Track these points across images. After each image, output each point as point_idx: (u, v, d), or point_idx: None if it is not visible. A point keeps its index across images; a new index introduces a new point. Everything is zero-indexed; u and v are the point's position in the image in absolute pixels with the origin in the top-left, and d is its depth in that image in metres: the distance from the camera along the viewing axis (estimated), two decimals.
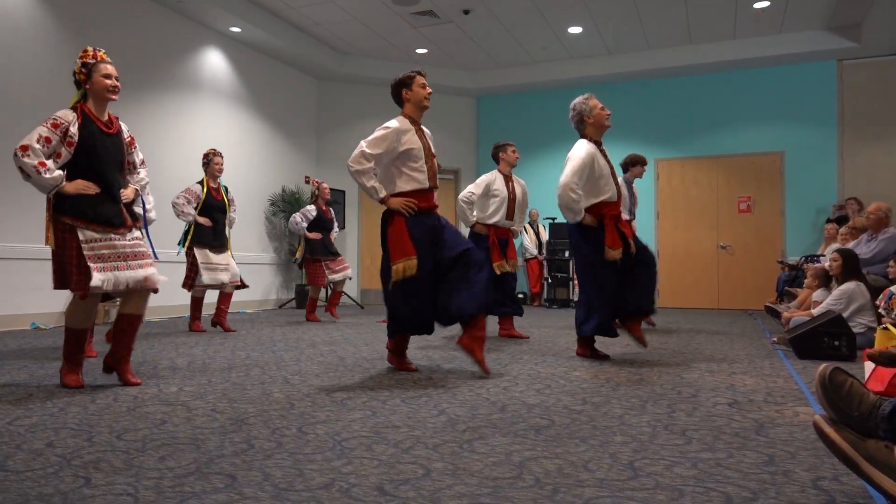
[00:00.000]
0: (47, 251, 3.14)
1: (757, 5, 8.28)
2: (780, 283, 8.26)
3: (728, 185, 10.08)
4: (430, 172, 3.59)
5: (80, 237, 2.96)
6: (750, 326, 6.68)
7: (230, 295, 5.96)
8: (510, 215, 5.34)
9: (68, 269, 2.97)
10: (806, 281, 6.15)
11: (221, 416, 2.46)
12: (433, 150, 3.66)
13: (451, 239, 3.52)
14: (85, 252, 2.94)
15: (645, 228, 10.23)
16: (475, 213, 5.37)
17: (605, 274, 4.02)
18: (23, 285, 5.95)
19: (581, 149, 4.04)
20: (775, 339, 4.97)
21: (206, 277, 5.59)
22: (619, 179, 5.80)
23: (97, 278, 2.91)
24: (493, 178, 5.33)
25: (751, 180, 9.95)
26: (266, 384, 3.16)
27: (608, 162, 4.14)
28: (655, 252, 10.27)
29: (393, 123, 3.55)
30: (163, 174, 7.27)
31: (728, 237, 10.05)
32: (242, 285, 5.89)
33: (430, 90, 3.68)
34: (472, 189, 5.33)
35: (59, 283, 3.02)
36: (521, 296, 9.86)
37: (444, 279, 3.48)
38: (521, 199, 5.45)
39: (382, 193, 3.50)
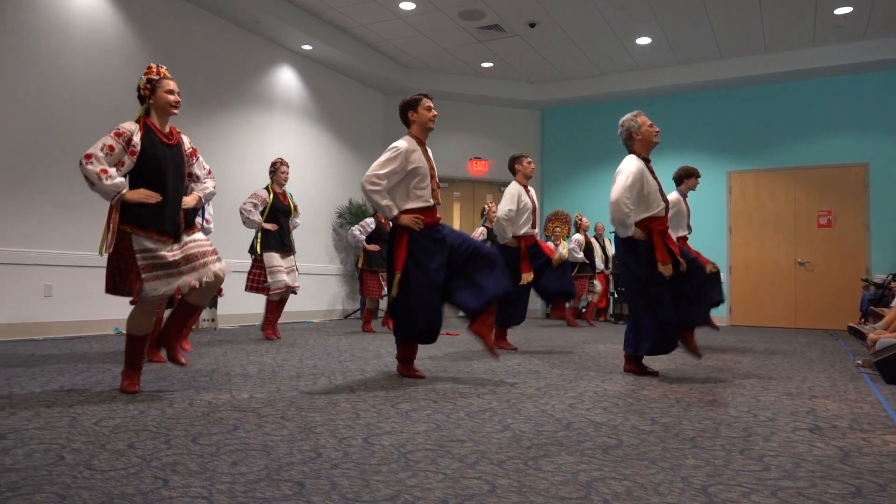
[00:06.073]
0: None
1: (838, 11, 7.92)
2: (864, 303, 7.82)
3: (807, 198, 9.64)
4: (434, 191, 3.88)
5: (135, 246, 3.03)
6: (831, 347, 6.33)
7: (282, 303, 6.07)
8: (535, 224, 5.55)
9: (122, 276, 3.04)
10: (895, 301, 5.79)
11: (290, 424, 2.51)
12: (435, 170, 3.94)
13: (458, 242, 3.76)
14: (139, 262, 3.01)
15: (716, 243, 9.90)
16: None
17: (656, 290, 3.99)
18: None
19: (631, 163, 4.09)
20: (860, 361, 4.70)
21: (272, 280, 5.77)
22: (675, 193, 5.68)
23: (147, 287, 3.00)
24: (518, 190, 5.47)
25: (832, 193, 9.48)
26: (332, 394, 3.21)
27: (655, 178, 4.18)
28: (727, 267, 9.93)
29: (401, 144, 3.82)
30: (235, 187, 7.56)
31: (806, 253, 9.59)
32: (294, 292, 6.06)
33: (434, 112, 3.96)
34: (510, 206, 5.39)
35: (111, 287, 3.08)
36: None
37: (457, 275, 3.74)
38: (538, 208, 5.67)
39: (395, 211, 3.75)
